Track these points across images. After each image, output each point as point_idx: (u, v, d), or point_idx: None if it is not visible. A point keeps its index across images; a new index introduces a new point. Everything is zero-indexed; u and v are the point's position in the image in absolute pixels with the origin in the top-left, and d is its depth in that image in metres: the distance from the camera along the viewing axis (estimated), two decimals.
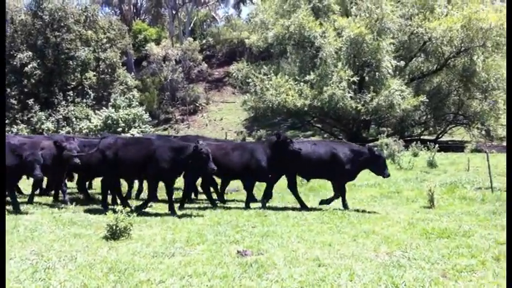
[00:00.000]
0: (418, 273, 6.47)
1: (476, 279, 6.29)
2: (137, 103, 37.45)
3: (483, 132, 33.70)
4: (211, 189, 13.14)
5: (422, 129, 37.23)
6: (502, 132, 31.83)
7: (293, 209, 11.78)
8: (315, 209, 11.63)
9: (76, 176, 14.04)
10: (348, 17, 32.64)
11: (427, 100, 32.37)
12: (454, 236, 8.58)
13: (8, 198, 10.78)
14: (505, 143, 31.86)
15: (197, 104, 51.82)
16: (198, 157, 10.58)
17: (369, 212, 11.41)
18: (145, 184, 13.44)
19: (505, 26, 30.60)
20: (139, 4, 69.91)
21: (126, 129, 33.17)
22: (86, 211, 10.93)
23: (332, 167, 11.85)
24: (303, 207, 11.88)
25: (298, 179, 12.82)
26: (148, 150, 10.99)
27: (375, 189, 15.03)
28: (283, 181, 12.48)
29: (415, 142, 26.23)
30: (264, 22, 35.21)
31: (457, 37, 31.91)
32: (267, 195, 12.16)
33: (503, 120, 31.86)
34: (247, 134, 41.44)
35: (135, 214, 8.94)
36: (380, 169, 11.96)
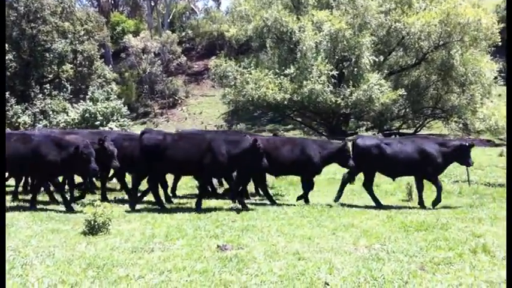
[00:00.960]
0: (397, 266, 6.53)
1: (453, 272, 6.38)
2: (115, 96, 37.00)
3: (460, 125, 34.05)
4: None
5: (401, 122, 37.54)
6: (479, 125, 32.27)
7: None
8: (294, 205, 11.65)
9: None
10: (327, 10, 32.59)
11: (406, 94, 32.69)
12: (432, 229, 8.68)
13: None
14: (482, 137, 32.45)
15: (176, 98, 51.43)
16: (255, 152, 10.53)
17: (348, 206, 11.49)
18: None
19: (482, 21, 31.10)
20: None
21: (104, 122, 32.81)
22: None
23: (422, 164, 11.77)
24: (378, 205, 11.87)
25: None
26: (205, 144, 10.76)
27: (354, 182, 15.06)
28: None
29: (394, 136, 26.42)
30: (245, 13, 35.04)
31: (435, 32, 32.16)
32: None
33: (480, 113, 32.31)
34: (227, 128, 41.35)
35: (113, 209, 8.85)
36: (466, 159, 11.96)
